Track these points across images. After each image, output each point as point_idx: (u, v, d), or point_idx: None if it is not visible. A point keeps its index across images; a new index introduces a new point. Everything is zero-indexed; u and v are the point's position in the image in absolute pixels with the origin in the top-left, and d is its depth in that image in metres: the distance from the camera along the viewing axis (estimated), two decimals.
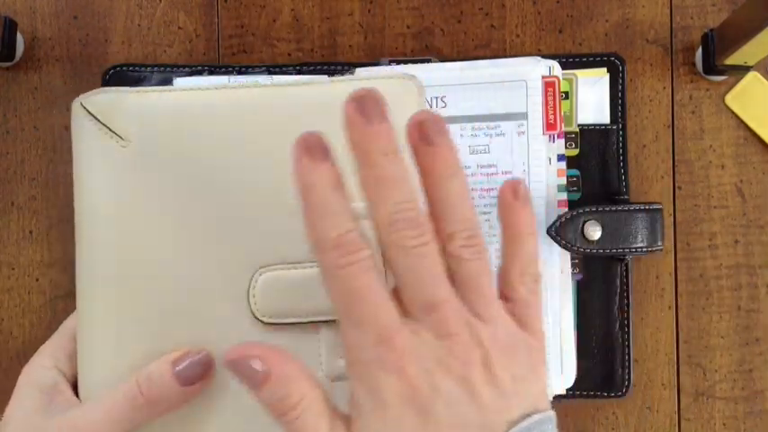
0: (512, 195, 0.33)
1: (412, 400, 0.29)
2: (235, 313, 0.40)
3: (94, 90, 0.41)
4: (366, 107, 0.30)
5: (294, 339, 0.39)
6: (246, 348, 0.30)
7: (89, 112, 0.40)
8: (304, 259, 0.40)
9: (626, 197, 0.52)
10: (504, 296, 0.33)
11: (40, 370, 0.40)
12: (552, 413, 0.32)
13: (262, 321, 0.39)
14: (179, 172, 0.40)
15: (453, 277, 0.30)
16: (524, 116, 0.50)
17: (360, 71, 0.51)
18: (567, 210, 0.50)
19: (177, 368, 0.37)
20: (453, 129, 0.50)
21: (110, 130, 0.40)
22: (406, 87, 0.40)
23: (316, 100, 0.40)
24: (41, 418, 0.38)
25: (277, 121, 0.40)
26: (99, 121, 0.40)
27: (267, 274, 0.39)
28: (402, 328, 0.29)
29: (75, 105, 0.40)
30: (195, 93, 0.41)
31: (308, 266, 0.39)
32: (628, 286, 0.52)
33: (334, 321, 0.39)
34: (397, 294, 0.31)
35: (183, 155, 0.40)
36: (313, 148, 0.30)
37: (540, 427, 0.30)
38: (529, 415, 0.30)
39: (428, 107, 0.40)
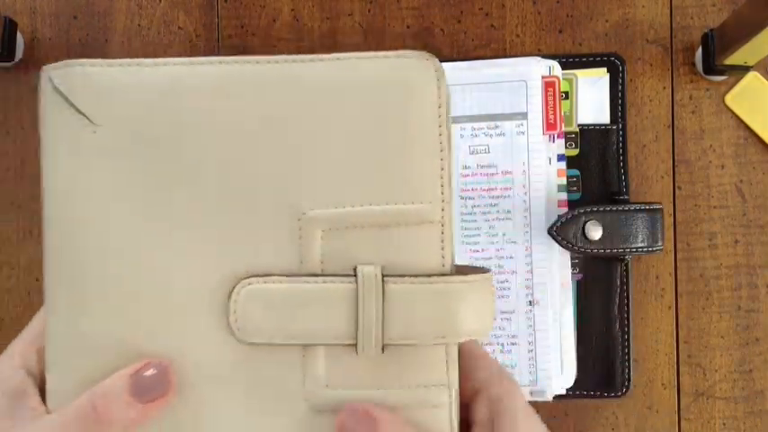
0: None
1: None
2: (210, 327, 0.35)
3: (63, 62, 0.36)
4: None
5: (275, 363, 0.35)
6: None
7: (58, 90, 0.35)
8: (296, 271, 0.35)
9: (626, 197, 0.52)
10: None
11: (9, 371, 0.37)
12: None
13: (242, 340, 0.35)
14: (154, 162, 0.35)
15: None
16: (524, 116, 0.50)
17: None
18: (566, 210, 0.50)
19: (135, 382, 0.34)
20: (453, 129, 0.50)
21: (78, 111, 0.35)
22: (425, 69, 0.36)
23: (319, 78, 0.36)
24: (5, 424, 0.35)
25: (269, 102, 0.36)
26: (68, 100, 0.35)
27: (252, 287, 0.35)
28: None
29: (44, 79, 0.36)
30: (169, 68, 0.36)
31: (300, 281, 0.35)
32: (628, 286, 0.52)
33: (322, 347, 0.35)
34: None
35: (160, 139, 0.35)
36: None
37: None
38: None
39: (449, 90, 0.36)
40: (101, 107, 0.35)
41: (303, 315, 0.35)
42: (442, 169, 0.35)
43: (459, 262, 0.47)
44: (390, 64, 0.36)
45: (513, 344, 0.51)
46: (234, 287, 0.35)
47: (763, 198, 0.55)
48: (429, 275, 0.35)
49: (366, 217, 0.35)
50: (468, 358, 0.35)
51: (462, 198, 0.50)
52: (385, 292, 0.35)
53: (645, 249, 0.50)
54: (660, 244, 0.50)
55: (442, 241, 0.35)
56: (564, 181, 0.51)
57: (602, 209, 0.50)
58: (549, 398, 0.51)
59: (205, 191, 0.35)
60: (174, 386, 0.35)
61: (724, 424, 0.54)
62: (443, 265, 0.35)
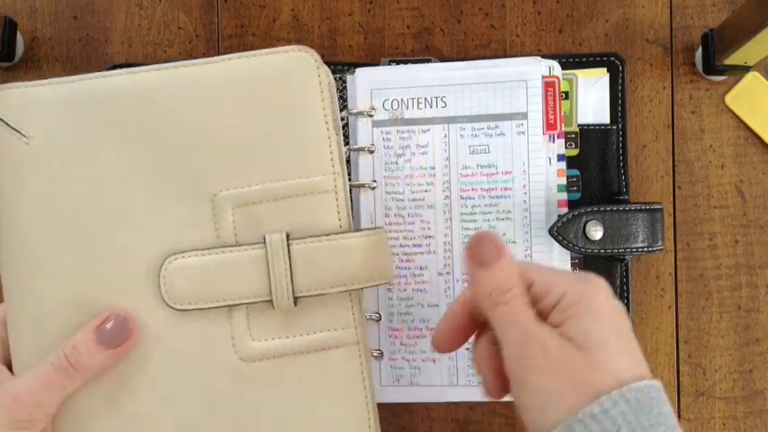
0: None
1: None
2: (149, 296, 0.41)
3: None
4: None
5: (206, 324, 0.42)
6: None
7: None
8: (214, 244, 0.42)
9: (626, 197, 0.52)
10: None
11: None
12: None
13: (174, 308, 0.41)
14: (82, 163, 0.42)
15: None
16: (524, 116, 0.50)
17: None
18: (567, 210, 0.50)
19: (100, 334, 0.40)
20: (453, 129, 0.50)
21: (11, 127, 0.41)
22: (304, 59, 0.42)
23: (215, 77, 0.42)
24: None
25: (178, 104, 0.42)
26: (2, 120, 0.41)
27: (177, 262, 0.41)
28: None
29: None
30: (92, 82, 0.42)
31: (218, 252, 0.41)
32: (628, 286, 0.52)
33: (245, 305, 0.42)
34: None
35: (84, 146, 0.42)
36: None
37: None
38: None
39: (330, 77, 0.43)
40: (29, 123, 0.41)
41: (223, 280, 0.41)
42: (330, 146, 0.42)
43: (458, 263, 0.47)
44: (275, 59, 0.42)
45: None
46: (163, 263, 0.41)
47: (763, 198, 0.55)
48: (327, 234, 0.41)
49: (269, 192, 0.42)
50: (539, 285, 0.36)
51: (462, 198, 0.50)
52: (290, 252, 0.41)
53: (645, 249, 0.50)
54: (660, 244, 0.50)
55: (338, 206, 0.42)
56: (564, 181, 0.51)
57: (602, 209, 0.50)
58: None
59: (132, 186, 0.42)
60: (135, 330, 0.41)
61: (724, 424, 0.54)
62: (340, 226, 0.42)
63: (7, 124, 0.41)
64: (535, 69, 0.50)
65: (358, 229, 0.43)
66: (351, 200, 0.43)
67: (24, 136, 0.41)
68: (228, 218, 0.42)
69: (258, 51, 0.42)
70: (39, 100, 0.42)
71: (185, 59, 0.55)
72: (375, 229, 0.43)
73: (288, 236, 0.41)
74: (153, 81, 0.42)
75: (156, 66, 0.42)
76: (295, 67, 0.42)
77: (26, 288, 0.42)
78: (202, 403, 0.42)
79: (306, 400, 0.42)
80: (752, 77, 0.55)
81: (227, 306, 0.41)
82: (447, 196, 0.50)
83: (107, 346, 0.40)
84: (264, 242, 0.41)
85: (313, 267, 0.41)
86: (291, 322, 0.42)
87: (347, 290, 0.41)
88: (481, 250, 0.36)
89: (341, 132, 0.43)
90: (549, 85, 0.50)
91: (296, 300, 0.41)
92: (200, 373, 0.42)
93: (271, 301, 0.41)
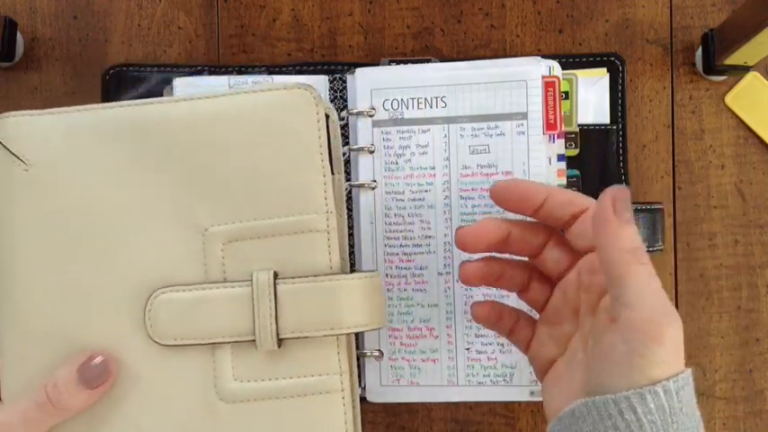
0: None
1: None
2: (133, 330, 0.41)
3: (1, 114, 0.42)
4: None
5: (188, 361, 0.41)
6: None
7: None
8: (202, 280, 0.41)
9: None
10: None
11: None
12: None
13: (158, 343, 0.41)
14: (77, 192, 0.41)
15: None
16: (524, 116, 0.50)
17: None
18: None
19: (82, 373, 0.40)
20: (453, 129, 0.50)
21: (13, 154, 0.41)
22: (303, 97, 0.41)
23: (212, 113, 0.42)
24: None
25: (175, 138, 0.41)
26: (3, 146, 0.42)
27: (163, 296, 0.41)
28: None
29: None
30: (94, 113, 0.42)
31: (204, 288, 0.41)
32: None
33: (228, 344, 0.41)
34: None
35: (79, 176, 0.41)
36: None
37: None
38: None
39: (331, 110, 0.43)
40: (31, 150, 0.41)
41: (208, 317, 0.40)
42: (325, 184, 0.41)
43: (458, 261, 0.47)
44: (273, 96, 0.41)
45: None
46: (150, 296, 0.41)
47: (763, 198, 0.55)
48: (316, 275, 0.40)
49: (260, 229, 0.41)
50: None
51: (462, 198, 0.50)
52: (277, 292, 0.40)
53: (645, 249, 0.50)
54: (660, 244, 0.50)
55: (329, 246, 0.41)
56: (564, 181, 0.51)
57: None
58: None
59: (126, 217, 0.41)
60: (115, 373, 0.41)
61: (724, 424, 0.54)
62: (330, 267, 0.41)
63: (9, 150, 0.41)
64: (535, 69, 0.50)
65: (353, 271, 0.43)
66: (350, 211, 0.43)
67: (24, 163, 0.41)
68: (218, 253, 0.41)
69: (258, 86, 0.42)
70: (41, 128, 0.42)
71: (185, 59, 0.55)
72: (369, 272, 0.42)
73: (276, 275, 0.40)
74: (150, 114, 0.42)
75: (153, 99, 0.42)
76: (293, 104, 0.41)
77: (14, 316, 0.41)
78: None
79: None
80: (752, 77, 0.55)
81: (211, 344, 0.41)
82: (447, 196, 0.50)
83: (88, 386, 0.40)
84: (251, 281, 0.40)
85: (299, 309, 0.40)
86: (275, 364, 0.41)
87: (333, 334, 0.40)
88: (625, 207, 0.36)
89: (342, 170, 0.42)
90: (549, 85, 0.50)
91: (280, 341, 0.40)
92: (178, 412, 0.41)
93: (255, 342, 0.40)
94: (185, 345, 0.41)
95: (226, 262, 0.41)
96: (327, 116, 0.42)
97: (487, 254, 0.43)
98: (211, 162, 0.41)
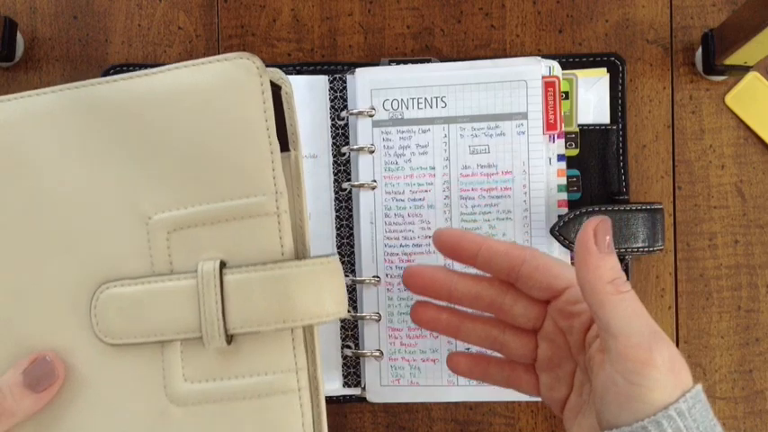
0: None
1: None
2: (79, 332, 0.38)
3: None
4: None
5: (138, 361, 0.38)
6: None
7: None
8: (148, 272, 0.37)
9: (626, 197, 0.52)
10: None
11: None
12: None
13: (105, 342, 0.37)
14: (13, 186, 0.38)
15: None
16: (524, 116, 0.50)
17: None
18: (567, 210, 0.50)
19: (27, 376, 0.37)
20: (453, 129, 0.50)
21: None
22: (244, 67, 0.37)
23: (149, 91, 0.38)
24: None
25: (117, 119, 0.38)
26: None
27: (108, 291, 0.37)
28: None
29: None
30: (32, 99, 0.39)
31: (150, 281, 0.37)
32: None
33: (177, 342, 0.37)
34: None
35: (14, 169, 0.38)
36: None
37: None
38: None
39: (285, 81, 0.39)
40: None
41: (155, 313, 0.37)
42: (273, 162, 0.37)
43: (458, 262, 0.47)
44: (212, 69, 0.38)
45: None
46: (95, 292, 0.38)
47: (763, 198, 0.55)
48: (265, 263, 0.36)
49: (206, 215, 0.37)
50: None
51: (462, 198, 0.50)
52: (223, 283, 0.36)
53: (645, 249, 0.50)
54: (660, 244, 0.50)
55: (280, 230, 0.37)
56: (564, 181, 0.51)
57: (603, 209, 0.50)
58: None
59: (70, 208, 0.38)
60: (62, 375, 0.38)
61: (724, 424, 0.54)
62: (282, 254, 0.37)
63: None
64: (535, 69, 0.50)
65: (306, 257, 0.38)
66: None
67: None
68: (163, 243, 0.37)
69: (199, 60, 0.38)
70: None
71: (185, 59, 0.55)
72: (324, 257, 0.37)
73: (223, 264, 0.37)
74: (93, 94, 0.38)
75: (100, 79, 0.39)
76: (235, 76, 0.37)
77: None
78: None
79: None
80: (752, 77, 0.55)
81: (160, 342, 0.37)
82: (447, 196, 0.50)
83: (34, 389, 0.37)
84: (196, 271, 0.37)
85: (248, 301, 0.36)
86: (227, 363, 0.37)
87: (286, 327, 0.36)
88: (603, 237, 0.36)
89: (299, 147, 0.39)
90: (549, 85, 0.50)
91: (229, 337, 0.36)
92: (129, 416, 0.38)
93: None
94: (133, 343, 0.37)
95: (172, 252, 0.37)
96: (280, 87, 0.38)
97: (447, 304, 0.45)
98: (153, 144, 0.38)
